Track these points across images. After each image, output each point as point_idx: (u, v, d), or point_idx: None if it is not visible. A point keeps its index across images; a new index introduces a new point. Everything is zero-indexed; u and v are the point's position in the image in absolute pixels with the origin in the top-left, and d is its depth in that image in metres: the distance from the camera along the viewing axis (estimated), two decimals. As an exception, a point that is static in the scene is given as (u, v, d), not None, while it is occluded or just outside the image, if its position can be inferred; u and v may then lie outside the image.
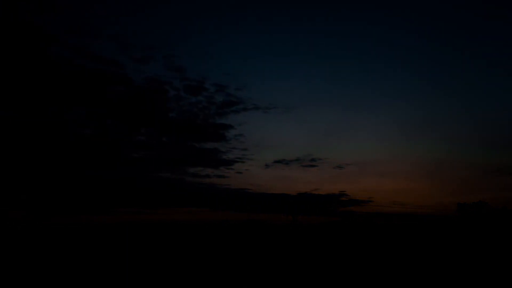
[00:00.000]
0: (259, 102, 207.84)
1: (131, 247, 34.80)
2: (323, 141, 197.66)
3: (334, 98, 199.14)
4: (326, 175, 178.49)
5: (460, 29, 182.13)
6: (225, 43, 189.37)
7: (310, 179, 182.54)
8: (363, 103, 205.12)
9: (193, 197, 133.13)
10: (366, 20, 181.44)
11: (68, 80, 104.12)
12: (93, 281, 17.11)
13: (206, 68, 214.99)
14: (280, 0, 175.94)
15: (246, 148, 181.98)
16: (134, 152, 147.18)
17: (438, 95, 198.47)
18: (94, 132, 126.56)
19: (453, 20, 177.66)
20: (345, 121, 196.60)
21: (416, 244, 38.94)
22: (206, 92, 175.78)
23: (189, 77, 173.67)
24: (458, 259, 25.21)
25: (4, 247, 33.47)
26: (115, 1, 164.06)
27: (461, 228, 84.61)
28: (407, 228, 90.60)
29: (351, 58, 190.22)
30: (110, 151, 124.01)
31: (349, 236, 57.06)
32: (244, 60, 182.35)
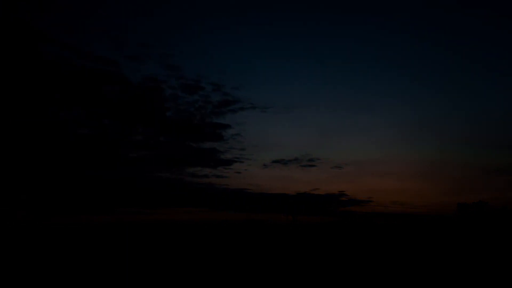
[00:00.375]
0: (257, 102, 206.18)
1: (131, 247, 34.76)
2: (321, 141, 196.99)
3: (333, 99, 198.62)
4: (324, 175, 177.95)
5: (456, 31, 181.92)
6: (222, 42, 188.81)
7: (309, 179, 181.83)
8: (362, 104, 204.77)
9: (192, 197, 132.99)
10: (365, 22, 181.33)
11: (65, 80, 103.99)
12: (93, 281, 17.06)
13: (203, 67, 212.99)
14: (280, 0, 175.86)
15: (244, 148, 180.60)
16: (132, 152, 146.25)
17: (438, 96, 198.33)
18: (92, 132, 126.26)
19: (449, 22, 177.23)
20: (343, 121, 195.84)
21: (416, 244, 38.91)
22: (202, 91, 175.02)
23: (185, 76, 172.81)
24: (458, 259, 25.18)
25: (4, 247, 33.42)
26: (111, 0, 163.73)
27: (461, 228, 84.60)
28: (407, 228, 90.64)
29: (350, 59, 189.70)
30: (109, 151, 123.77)
31: (349, 236, 57.01)
32: (241, 59, 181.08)
